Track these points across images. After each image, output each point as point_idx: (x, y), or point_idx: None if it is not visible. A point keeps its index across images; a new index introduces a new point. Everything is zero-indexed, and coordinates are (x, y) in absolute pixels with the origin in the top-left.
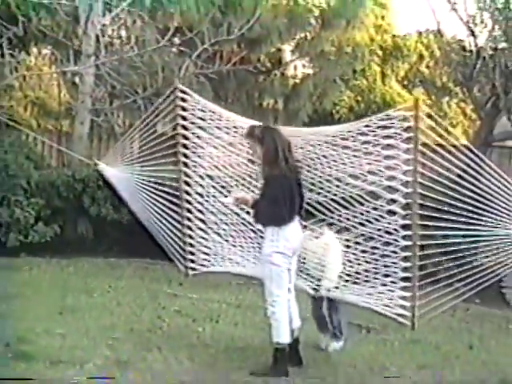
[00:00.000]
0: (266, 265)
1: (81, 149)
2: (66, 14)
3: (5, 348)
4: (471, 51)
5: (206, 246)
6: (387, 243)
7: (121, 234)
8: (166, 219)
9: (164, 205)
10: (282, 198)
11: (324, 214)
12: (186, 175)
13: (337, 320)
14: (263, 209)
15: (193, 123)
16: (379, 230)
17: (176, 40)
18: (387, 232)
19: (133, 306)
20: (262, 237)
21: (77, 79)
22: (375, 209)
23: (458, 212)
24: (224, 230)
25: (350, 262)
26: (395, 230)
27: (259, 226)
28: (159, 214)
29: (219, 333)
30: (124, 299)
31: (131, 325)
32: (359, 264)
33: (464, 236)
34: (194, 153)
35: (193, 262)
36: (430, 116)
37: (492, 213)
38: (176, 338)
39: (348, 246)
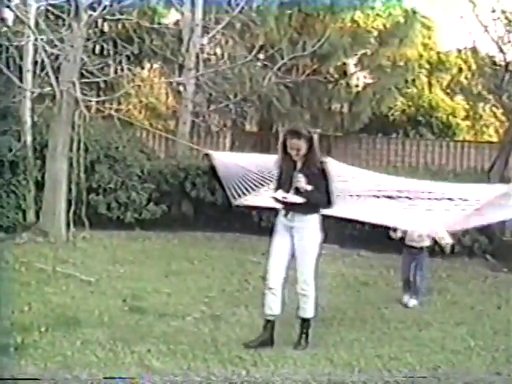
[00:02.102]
0: (316, 244)
1: (183, 144)
2: (172, 35)
3: (122, 303)
4: (501, 65)
5: None
6: None
7: (215, 213)
8: None
9: None
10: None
11: None
12: None
13: (420, 279)
14: (324, 197)
15: None
16: None
17: (261, 56)
18: None
19: (224, 271)
20: None
21: (181, 88)
22: None
23: None
24: None
25: None
26: None
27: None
28: None
29: (296, 294)
30: (217, 265)
31: (223, 286)
32: None
33: None
34: None
35: None
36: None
37: None
38: (260, 298)
39: None
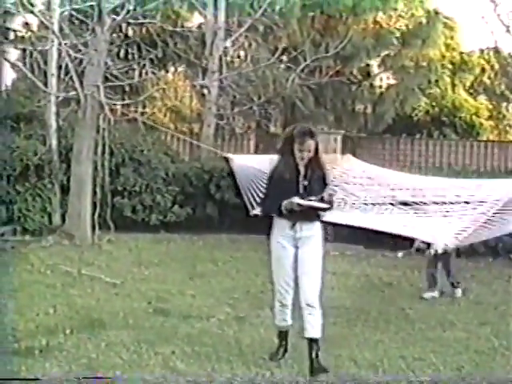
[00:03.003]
0: (321, 252)
1: (208, 146)
2: (195, 39)
3: (147, 305)
4: None
5: None
6: None
7: (240, 215)
8: None
9: None
10: None
11: None
12: None
13: (452, 271)
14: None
15: None
16: None
17: (284, 58)
18: None
19: (249, 273)
20: None
21: (205, 91)
22: None
23: None
24: None
25: None
26: None
27: None
28: None
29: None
30: (242, 267)
31: (247, 288)
32: None
33: None
34: None
35: None
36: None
37: None
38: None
39: None
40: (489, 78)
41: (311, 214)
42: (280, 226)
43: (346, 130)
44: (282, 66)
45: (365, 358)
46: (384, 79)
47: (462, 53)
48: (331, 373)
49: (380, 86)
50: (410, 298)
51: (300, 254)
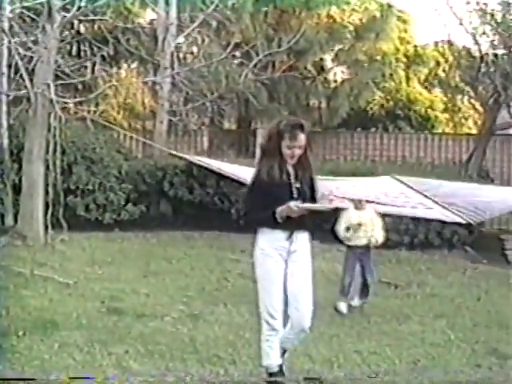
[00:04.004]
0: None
1: (161, 143)
2: (147, 35)
3: (100, 304)
4: (476, 57)
5: None
6: None
7: (194, 212)
8: None
9: None
10: None
11: None
12: None
13: (370, 278)
14: None
15: None
16: None
17: (237, 53)
18: None
19: (203, 270)
20: None
21: (157, 87)
22: None
23: None
24: None
25: None
26: None
27: None
28: None
29: None
30: (196, 264)
31: (202, 285)
32: None
33: None
34: None
35: None
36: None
37: None
38: (238, 296)
39: None
40: (443, 70)
41: (309, 222)
42: (272, 238)
43: None
44: (236, 61)
45: (319, 353)
46: (338, 73)
47: (416, 46)
48: (285, 368)
49: (335, 81)
50: None
51: (294, 270)
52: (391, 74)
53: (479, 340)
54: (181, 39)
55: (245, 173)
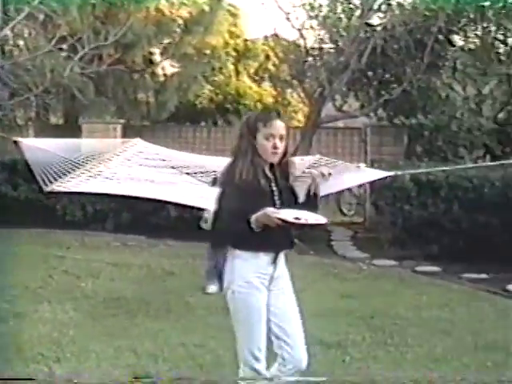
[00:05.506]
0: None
1: None
2: None
3: None
4: (302, 51)
5: None
6: None
7: (18, 208)
8: None
9: None
10: None
11: None
12: None
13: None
14: None
15: None
16: None
17: (64, 46)
18: None
19: (28, 268)
20: None
21: None
22: None
23: None
24: None
25: None
26: None
27: None
28: None
29: (99, 287)
30: (20, 262)
31: (26, 283)
32: None
33: None
34: None
35: None
36: None
37: None
38: (63, 293)
39: None
40: (274, 65)
41: (292, 238)
42: (253, 263)
43: (129, 119)
44: (63, 54)
45: (145, 348)
46: (167, 67)
47: (246, 40)
48: (110, 364)
49: (164, 75)
50: (191, 286)
51: (281, 300)
52: (221, 68)
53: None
54: (6, 32)
55: None
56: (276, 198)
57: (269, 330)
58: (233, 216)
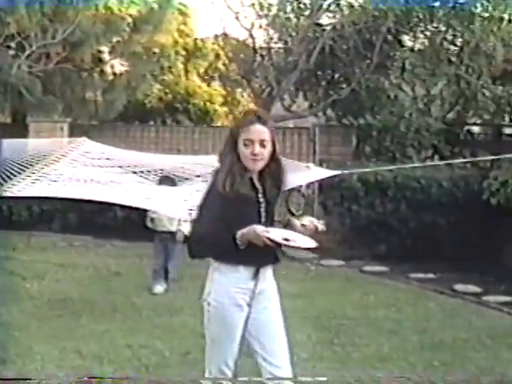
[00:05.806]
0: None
1: None
2: None
3: None
4: (251, 50)
5: None
6: None
7: None
8: None
9: None
10: None
11: None
12: None
13: (172, 266)
14: None
15: None
16: None
17: (12, 44)
18: None
19: None
20: None
21: None
22: None
23: None
24: None
25: None
26: None
27: None
28: None
29: (44, 288)
30: None
31: None
32: None
33: None
34: None
35: None
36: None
37: None
38: (8, 295)
39: None
40: (223, 64)
41: (276, 253)
42: (232, 277)
43: (77, 118)
44: (11, 52)
45: (90, 350)
46: (116, 65)
47: (196, 39)
48: (55, 366)
49: (114, 73)
50: (137, 286)
51: (263, 318)
52: (170, 67)
53: None
54: None
55: None
56: (262, 210)
57: (248, 345)
58: (215, 227)
